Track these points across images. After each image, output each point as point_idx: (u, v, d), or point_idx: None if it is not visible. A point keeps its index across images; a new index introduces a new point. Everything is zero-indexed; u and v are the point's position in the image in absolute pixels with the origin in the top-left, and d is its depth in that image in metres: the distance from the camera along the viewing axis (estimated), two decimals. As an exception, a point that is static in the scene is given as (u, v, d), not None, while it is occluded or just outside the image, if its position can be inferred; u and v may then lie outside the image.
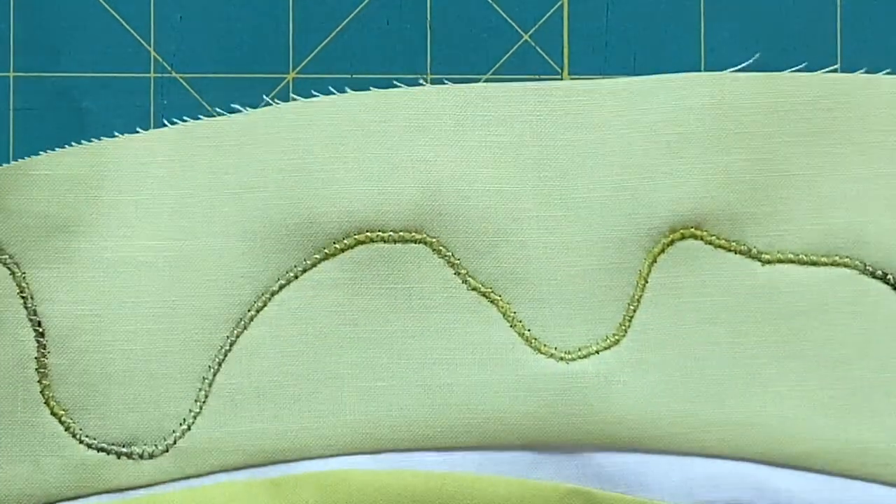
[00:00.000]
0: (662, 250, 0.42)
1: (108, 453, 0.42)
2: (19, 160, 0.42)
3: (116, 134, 0.43)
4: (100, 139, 0.43)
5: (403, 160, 0.42)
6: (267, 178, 0.42)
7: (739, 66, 0.44)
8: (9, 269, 0.42)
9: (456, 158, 0.42)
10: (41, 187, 0.42)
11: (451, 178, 0.42)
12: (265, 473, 0.42)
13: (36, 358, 0.42)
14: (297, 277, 0.42)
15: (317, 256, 0.42)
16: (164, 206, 0.42)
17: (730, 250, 0.43)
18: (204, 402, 0.42)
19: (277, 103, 0.43)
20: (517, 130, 0.43)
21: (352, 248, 0.42)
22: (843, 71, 0.45)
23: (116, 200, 0.42)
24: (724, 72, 0.43)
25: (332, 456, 0.42)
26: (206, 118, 0.43)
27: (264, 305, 0.42)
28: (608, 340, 0.42)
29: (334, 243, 0.42)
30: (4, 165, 0.42)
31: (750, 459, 0.42)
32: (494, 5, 0.45)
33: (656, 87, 0.43)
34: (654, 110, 0.42)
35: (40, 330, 0.42)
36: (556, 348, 0.42)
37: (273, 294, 0.42)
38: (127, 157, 0.42)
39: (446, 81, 0.44)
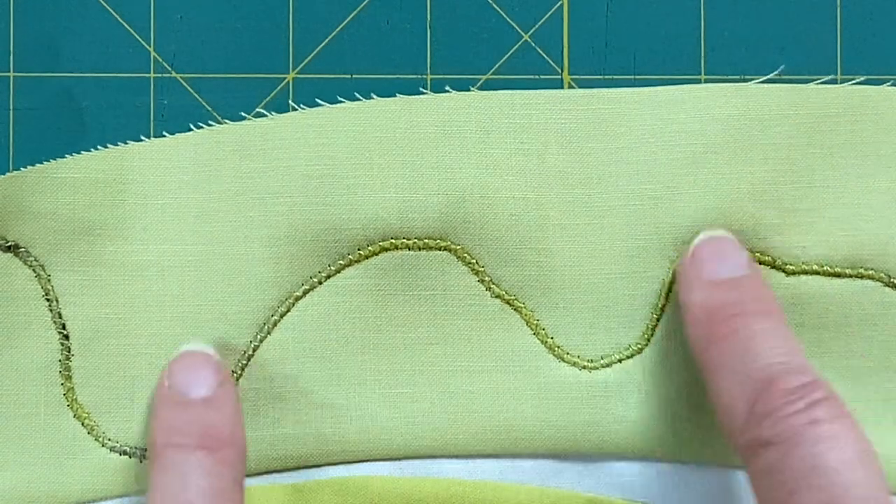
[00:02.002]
0: (686, 260, 0.43)
1: (131, 456, 0.42)
2: (44, 164, 0.42)
3: (117, 134, 0.43)
4: (100, 139, 0.43)
5: (429, 167, 0.42)
6: (292, 183, 0.42)
7: (765, 78, 0.44)
8: (34, 271, 0.42)
9: (481, 166, 0.42)
10: (66, 190, 0.42)
11: (477, 185, 0.42)
12: (286, 479, 0.42)
13: (60, 360, 0.42)
14: (321, 283, 0.42)
15: (341, 262, 0.42)
16: (188, 211, 0.42)
17: (754, 261, 0.43)
18: (226, 406, 0.42)
19: (272, 113, 0.43)
20: (542, 138, 0.43)
21: (376, 254, 0.42)
22: (842, 72, 0.45)
23: (141, 204, 0.42)
24: (750, 82, 0.43)
25: (353, 462, 0.42)
26: (230, 122, 0.43)
27: (288, 311, 0.42)
28: (631, 349, 0.42)
29: (359, 250, 0.42)
30: (29, 168, 0.42)
31: (772, 470, 0.42)
32: (494, 5, 0.44)
33: (682, 97, 0.43)
34: (680, 120, 0.42)
35: (65, 332, 0.42)
36: (578, 356, 0.42)
37: (297, 299, 0.42)
38: (152, 161, 0.42)
39: (446, 81, 0.44)
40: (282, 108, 0.44)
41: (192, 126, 0.43)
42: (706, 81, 0.45)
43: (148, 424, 0.41)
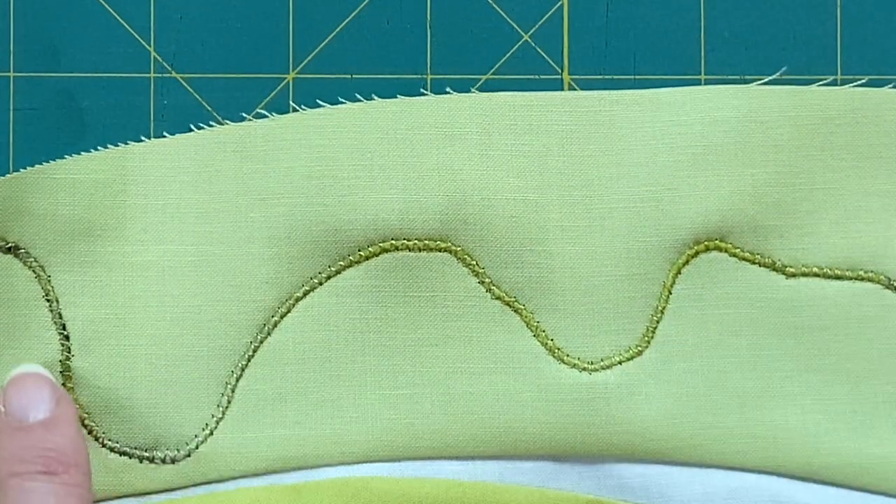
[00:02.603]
0: (687, 262, 0.43)
1: (131, 457, 0.42)
2: (43, 164, 0.42)
3: (117, 134, 0.43)
4: (100, 139, 0.43)
5: (429, 168, 0.42)
6: (293, 184, 0.42)
7: (766, 80, 0.44)
8: (34, 272, 0.42)
9: (482, 167, 0.42)
10: (66, 191, 0.42)
11: (477, 187, 0.42)
12: (286, 479, 0.42)
13: (60, 361, 0.42)
14: (321, 284, 0.42)
15: (341, 263, 0.42)
16: (189, 211, 0.42)
17: (754, 263, 0.43)
18: (226, 407, 0.42)
19: (272, 113, 0.43)
20: (543, 140, 0.43)
21: (376, 255, 0.42)
22: (842, 72, 0.45)
23: (142, 205, 0.42)
24: (751, 84, 0.43)
25: (353, 463, 0.42)
26: (231, 123, 0.43)
27: (288, 311, 0.42)
28: (631, 351, 0.42)
29: (359, 251, 0.42)
30: (29, 169, 0.42)
31: (771, 472, 0.42)
32: (494, 5, 0.44)
33: (684, 98, 0.43)
34: (681, 122, 0.42)
35: (65, 333, 0.42)
36: (578, 358, 0.42)
37: (297, 300, 0.42)
38: (153, 161, 0.42)
39: (446, 81, 0.44)
40: (282, 108, 0.44)
41: (192, 126, 0.43)
42: (706, 81, 0.45)
43: None
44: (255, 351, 0.42)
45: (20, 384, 0.40)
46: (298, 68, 0.44)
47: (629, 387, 0.42)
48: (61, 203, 0.42)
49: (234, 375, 0.42)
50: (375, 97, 0.43)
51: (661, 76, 0.45)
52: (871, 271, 0.43)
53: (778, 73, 0.44)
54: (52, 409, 0.40)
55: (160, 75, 0.44)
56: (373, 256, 0.42)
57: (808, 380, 0.43)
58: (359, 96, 0.43)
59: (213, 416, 0.42)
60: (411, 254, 0.42)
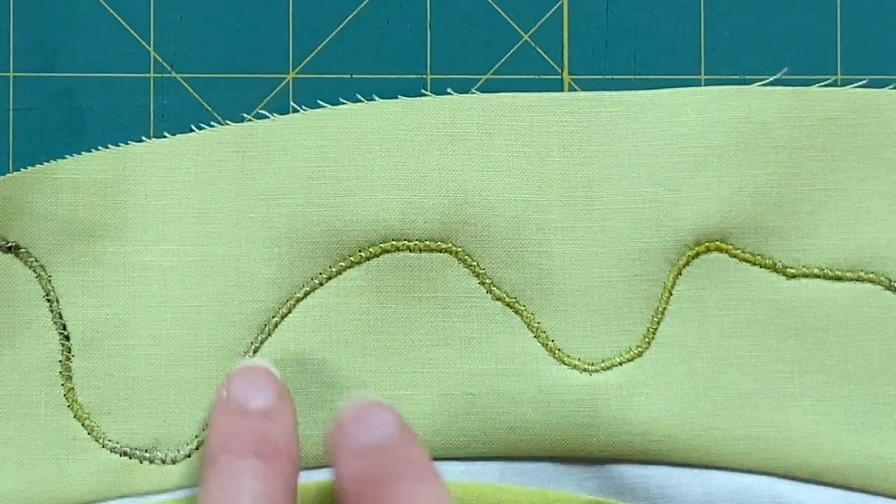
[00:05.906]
0: (687, 263, 0.43)
1: (131, 457, 0.42)
2: (44, 164, 0.42)
3: (117, 134, 0.43)
4: (100, 139, 0.43)
5: (430, 169, 0.42)
6: (293, 185, 0.42)
7: (767, 80, 0.44)
8: (34, 272, 0.42)
9: (483, 168, 0.42)
10: (67, 191, 0.42)
11: (478, 187, 0.42)
12: (287, 479, 0.42)
13: (60, 361, 0.42)
14: (322, 285, 0.42)
15: (342, 264, 0.42)
16: (190, 212, 0.42)
17: (755, 264, 0.43)
18: (227, 407, 0.42)
19: (272, 113, 0.43)
20: (544, 141, 0.43)
21: (377, 256, 0.42)
22: (842, 72, 0.45)
23: (142, 205, 0.42)
24: (752, 85, 0.43)
25: (353, 463, 0.42)
26: (231, 123, 0.43)
27: (289, 312, 0.42)
28: (632, 352, 0.42)
29: (360, 251, 0.42)
30: (30, 169, 0.42)
31: (772, 474, 0.42)
32: (494, 5, 0.44)
33: (684, 100, 0.43)
34: (682, 123, 0.42)
35: (65, 333, 0.42)
36: (579, 359, 0.42)
37: (298, 301, 0.42)
38: (153, 161, 0.42)
39: (446, 82, 0.44)
40: (282, 108, 0.44)
41: (192, 126, 0.43)
42: (706, 82, 0.45)
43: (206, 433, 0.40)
44: (255, 351, 0.42)
45: (244, 373, 0.40)
46: (298, 68, 0.44)
47: (629, 388, 0.42)
48: (61, 203, 0.42)
49: (235, 376, 0.42)
50: (375, 97, 0.43)
51: (661, 76, 0.45)
52: (872, 272, 0.43)
53: (779, 74, 0.44)
54: (273, 400, 0.39)
55: (160, 75, 0.44)
56: (373, 257, 0.42)
57: (808, 381, 0.43)
58: (359, 96, 0.43)
59: (213, 416, 0.42)
60: (412, 254, 0.42)
